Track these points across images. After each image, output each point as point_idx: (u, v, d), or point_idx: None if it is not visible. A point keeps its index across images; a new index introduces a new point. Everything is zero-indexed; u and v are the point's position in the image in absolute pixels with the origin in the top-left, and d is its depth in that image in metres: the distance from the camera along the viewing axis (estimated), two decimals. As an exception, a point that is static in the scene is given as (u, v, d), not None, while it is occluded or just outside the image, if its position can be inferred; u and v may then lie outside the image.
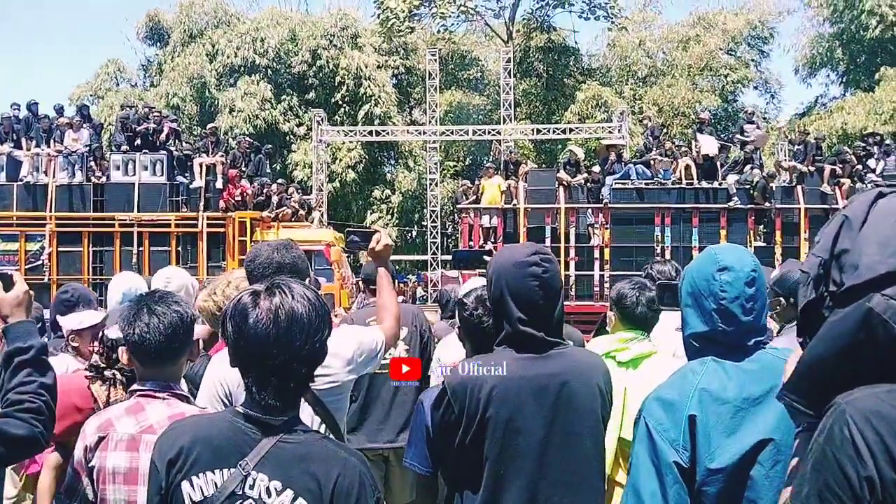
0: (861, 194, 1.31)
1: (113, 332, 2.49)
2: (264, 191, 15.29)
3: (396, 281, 5.33)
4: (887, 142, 16.38)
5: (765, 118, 16.06)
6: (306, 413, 2.22)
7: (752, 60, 32.26)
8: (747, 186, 14.35)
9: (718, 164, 14.81)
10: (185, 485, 1.50)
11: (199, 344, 2.36)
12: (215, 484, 1.49)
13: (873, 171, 14.74)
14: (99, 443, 2.08)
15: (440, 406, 2.14)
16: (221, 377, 2.31)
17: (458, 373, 2.17)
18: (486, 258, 3.30)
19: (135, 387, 2.19)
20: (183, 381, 2.44)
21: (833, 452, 1.09)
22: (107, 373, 2.51)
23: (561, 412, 2.09)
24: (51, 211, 14.41)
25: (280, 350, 1.50)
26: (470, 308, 2.76)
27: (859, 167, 14.87)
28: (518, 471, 2.07)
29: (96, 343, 2.59)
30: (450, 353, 3.77)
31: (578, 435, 2.11)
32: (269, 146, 18.51)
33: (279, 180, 16.68)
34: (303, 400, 2.21)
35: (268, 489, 1.47)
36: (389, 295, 2.74)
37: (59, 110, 16.03)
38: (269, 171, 16.56)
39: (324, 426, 2.26)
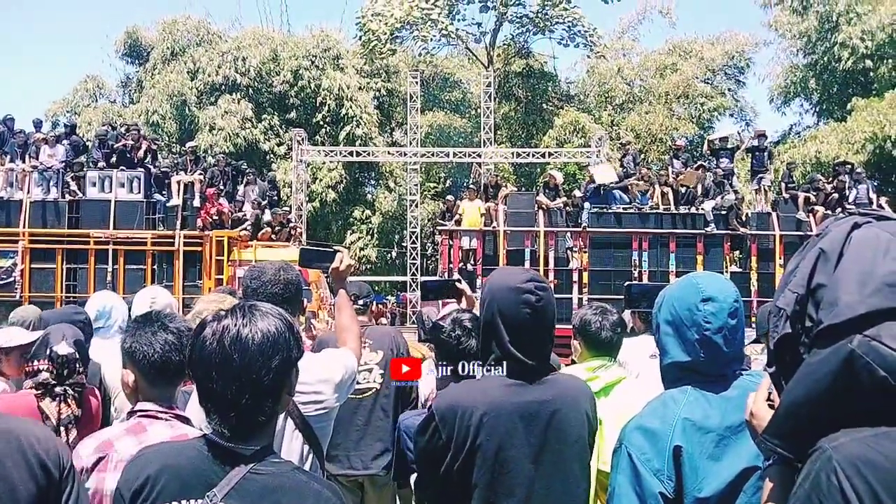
0: (835, 223, 1.26)
1: (62, 349, 2.43)
2: (242, 209, 15.17)
3: (375, 302, 5.30)
4: (858, 170, 16.72)
5: (738, 146, 16.31)
6: (297, 440, 2.18)
7: (729, 89, 32.87)
8: (723, 212, 14.54)
9: (698, 190, 14.99)
10: None
11: None
12: None
13: (846, 198, 15.03)
14: (97, 464, 1.99)
15: (426, 432, 2.07)
16: None
17: (447, 398, 2.11)
18: (459, 285, 3.31)
19: (134, 408, 2.13)
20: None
21: (820, 500, 1.05)
22: (57, 389, 2.43)
23: (551, 440, 2.06)
24: (24, 227, 14.16)
25: (220, 374, 1.44)
26: (447, 330, 2.73)
27: (835, 195, 15.14)
28: (508, 499, 2.02)
29: (44, 361, 2.50)
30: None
31: (568, 462, 2.08)
32: (246, 167, 18.23)
33: (253, 199, 16.50)
34: (294, 427, 2.18)
35: None
36: (350, 315, 2.69)
37: (38, 125, 15.85)
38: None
39: (311, 453, 2.22)
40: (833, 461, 1.06)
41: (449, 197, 16.87)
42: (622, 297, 4.04)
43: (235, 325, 1.47)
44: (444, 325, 2.80)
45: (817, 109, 30.90)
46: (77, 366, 2.47)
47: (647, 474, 1.72)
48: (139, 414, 2.10)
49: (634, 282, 12.43)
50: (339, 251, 2.72)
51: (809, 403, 1.15)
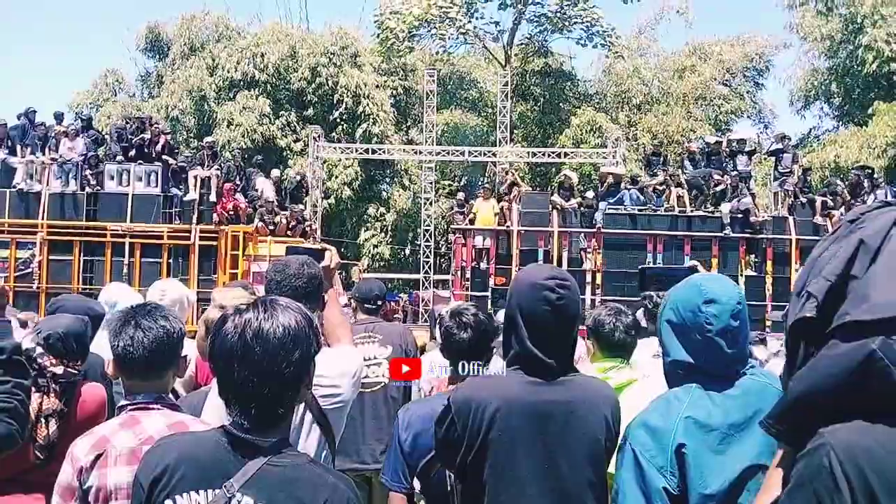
0: (873, 212, 1.22)
1: (26, 343, 2.46)
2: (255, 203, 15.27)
3: (387, 300, 5.34)
4: (877, 175, 16.51)
5: (755, 150, 16.18)
6: (315, 433, 2.19)
7: (748, 92, 32.58)
8: (740, 215, 14.44)
9: (712, 192, 14.89)
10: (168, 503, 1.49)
11: (187, 360, 2.30)
12: None
13: (864, 203, 14.87)
14: (95, 461, 1.98)
15: (443, 423, 2.09)
16: None
17: (463, 390, 2.12)
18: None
19: (123, 402, 2.12)
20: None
21: (810, 480, 1.07)
22: (40, 381, 2.43)
23: (565, 441, 2.03)
24: (43, 219, 14.33)
25: (242, 367, 1.47)
26: (444, 320, 2.78)
27: (852, 200, 14.98)
28: (517, 499, 2.01)
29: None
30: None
31: (583, 467, 2.04)
32: (260, 157, 18.32)
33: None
34: (312, 420, 2.20)
35: None
36: (339, 311, 2.69)
37: (59, 118, 15.99)
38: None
39: (327, 446, 2.24)
40: (828, 445, 1.07)
41: (460, 195, 16.79)
42: (636, 298, 4.03)
43: (257, 318, 1.50)
44: (444, 315, 2.81)
45: (838, 113, 30.55)
46: (43, 360, 2.46)
47: (651, 470, 1.74)
48: (129, 408, 2.09)
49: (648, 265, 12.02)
50: (326, 249, 2.74)
51: (818, 393, 1.15)
